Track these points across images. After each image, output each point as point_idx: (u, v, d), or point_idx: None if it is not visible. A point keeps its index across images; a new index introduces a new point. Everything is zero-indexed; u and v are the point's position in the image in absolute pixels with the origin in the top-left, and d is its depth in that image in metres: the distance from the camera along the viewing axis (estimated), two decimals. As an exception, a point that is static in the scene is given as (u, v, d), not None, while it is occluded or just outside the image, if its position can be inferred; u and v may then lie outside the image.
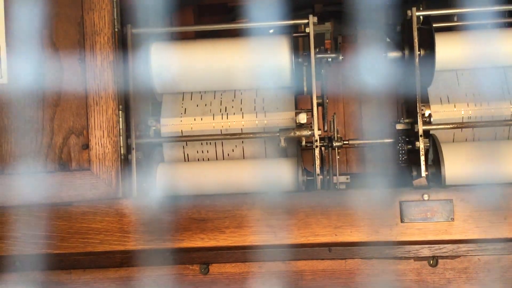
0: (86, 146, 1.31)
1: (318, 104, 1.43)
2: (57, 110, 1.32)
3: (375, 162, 1.51)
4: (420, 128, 1.36)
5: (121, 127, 1.32)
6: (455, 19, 1.55)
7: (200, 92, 1.55)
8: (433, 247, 1.30)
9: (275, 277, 1.33)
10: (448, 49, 1.45)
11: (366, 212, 1.25)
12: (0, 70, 1.32)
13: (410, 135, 1.46)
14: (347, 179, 1.59)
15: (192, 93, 1.55)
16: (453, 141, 1.49)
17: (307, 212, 1.26)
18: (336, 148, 1.45)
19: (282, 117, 1.48)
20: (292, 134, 1.39)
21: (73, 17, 1.32)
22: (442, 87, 1.50)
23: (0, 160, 1.31)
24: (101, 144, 1.31)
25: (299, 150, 1.44)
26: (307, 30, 1.41)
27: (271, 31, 1.46)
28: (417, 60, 1.38)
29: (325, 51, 1.50)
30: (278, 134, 1.39)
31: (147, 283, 1.33)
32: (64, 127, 1.32)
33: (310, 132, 1.38)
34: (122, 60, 1.37)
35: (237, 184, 1.42)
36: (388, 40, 1.73)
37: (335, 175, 1.47)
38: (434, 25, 1.41)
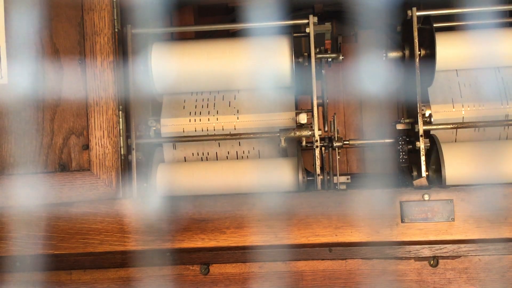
0: (86, 147, 1.31)
1: (319, 104, 1.43)
2: (57, 110, 1.32)
3: (375, 162, 1.51)
4: (421, 128, 1.36)
5: (121, 127, 1.32)
6: (455, 19, 1.55)
7: (200, 92, 1.54)
8: (434, 247, 1.29)
9: (276, 278, 1.32)
10: (448, 49, 1.44)
11: (366, 212, 1.25)
12: (0, 71, 1.31)
13: (410, 135, 1.46)
14: (347, 179, 1.59)
15: (192, 93, 1.54)
16: (454, 141, 1.49)
17: (308, 212, 1.26)
18: (337, 148, 1.45)
19: (282, 117, 1.48)
20: (292, 134, 1.39)
21: (73, 17, 1.32)
22: (442, 87, 1.50)
23: (0, 161, 1.31)
24: (101, 144, 1.30)
25: (299, 150, 1.44)
26: (307, 30, 1.41)
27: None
28: (417, 60, 1.37)
29: (325, 51, 1.50)
30: (278, 134, 1.39)
31: (147, 284, 1.33)
32: (64, 128, 1.32)
33: (310, 132, 1.38)
34: (122, 60, 1.37)
35: (237, 184, 1.42)
36: (388, 40, 1.73)
37: (336, 175, 1.47)
38: (434, 25, 1.41)
